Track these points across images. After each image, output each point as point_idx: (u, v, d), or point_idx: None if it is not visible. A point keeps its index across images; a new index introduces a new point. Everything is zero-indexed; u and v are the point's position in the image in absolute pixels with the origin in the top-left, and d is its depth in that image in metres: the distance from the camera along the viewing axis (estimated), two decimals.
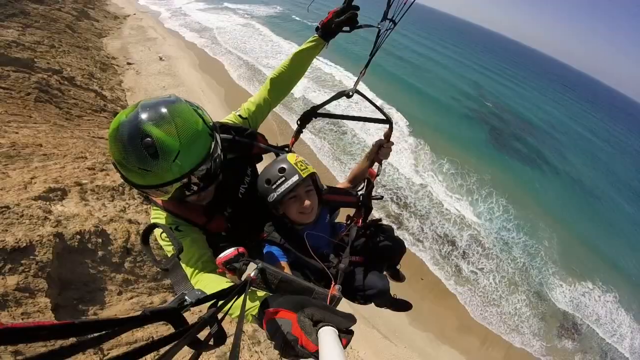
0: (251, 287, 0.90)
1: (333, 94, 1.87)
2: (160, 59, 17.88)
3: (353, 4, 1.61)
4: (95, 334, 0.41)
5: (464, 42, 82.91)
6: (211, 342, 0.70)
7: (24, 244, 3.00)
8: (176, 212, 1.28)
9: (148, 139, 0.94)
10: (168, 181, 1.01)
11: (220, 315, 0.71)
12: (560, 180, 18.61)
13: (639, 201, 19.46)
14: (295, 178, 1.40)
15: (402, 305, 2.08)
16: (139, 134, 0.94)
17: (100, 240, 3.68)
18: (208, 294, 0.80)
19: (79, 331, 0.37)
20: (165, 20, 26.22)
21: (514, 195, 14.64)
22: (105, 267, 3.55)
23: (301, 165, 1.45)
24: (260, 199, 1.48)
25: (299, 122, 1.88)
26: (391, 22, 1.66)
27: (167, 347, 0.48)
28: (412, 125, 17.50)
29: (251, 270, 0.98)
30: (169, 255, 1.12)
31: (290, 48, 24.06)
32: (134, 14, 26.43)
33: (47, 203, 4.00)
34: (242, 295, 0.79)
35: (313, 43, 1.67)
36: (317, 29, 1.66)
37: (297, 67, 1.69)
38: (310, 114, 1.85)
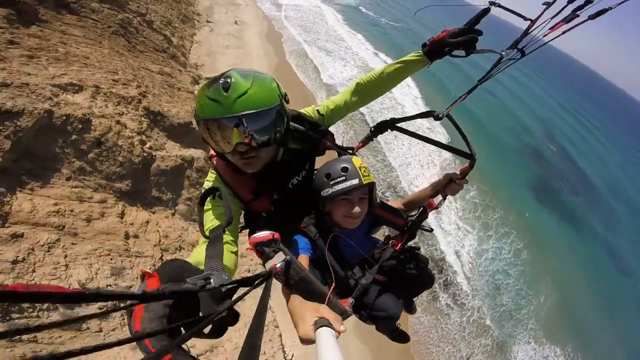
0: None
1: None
2: (235, 22, 19.75)
3: (476, 27, 1.44)
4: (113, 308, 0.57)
5: (546, 72, 68.82)
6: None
7: (16, 110, 4.09)
8: (227, 179, 1.34)
9: (228, 79, 1.12)
10: (229, 115, 1.09)
11: (236, 297, 0.73)
12: (594, 247, 15.76)
13: None
14: (355, 181, 1.40)
15: (400, 337, 1.98)
16: (224, 76, 1.15)
17: (81, 126, 4.72)
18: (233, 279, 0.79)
19: (90, 300, 0.38)
20: None
21: (534, 243, 13.00)
22: (70, 149, 4.51)
23: (364, 172, 1.44)
24: (313, 191, 1.50)
25: (372, 130, 1.79)
26: (519, 52, 1.51)
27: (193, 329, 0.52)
28: (453, 143, 16.55)
29: (278, 260, 0.98)
30: (206, 226, 1.14)
31: (350, 38, 24.37)
32: None
33: (61, 90, 5.23)
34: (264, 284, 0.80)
35: (416, 58, 1.55)
36: (424, 45, 1.53)
37: (389, 78, 1.60)
38: (387, 125, 1.74)
